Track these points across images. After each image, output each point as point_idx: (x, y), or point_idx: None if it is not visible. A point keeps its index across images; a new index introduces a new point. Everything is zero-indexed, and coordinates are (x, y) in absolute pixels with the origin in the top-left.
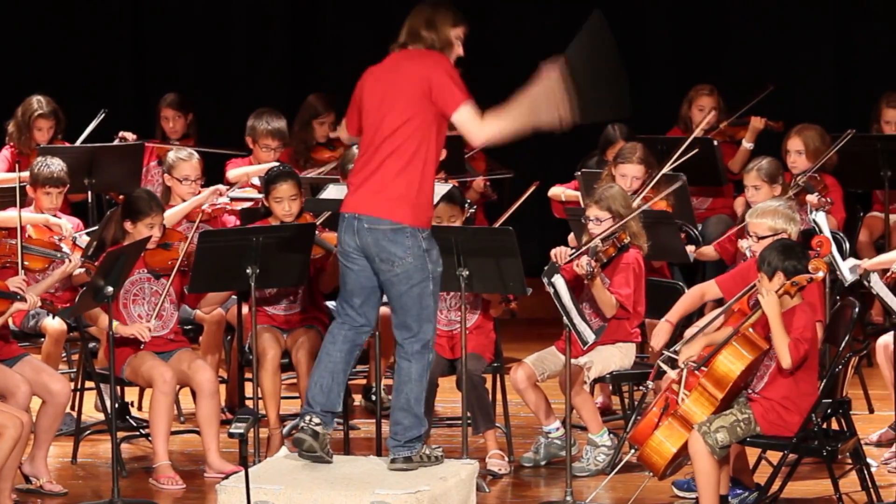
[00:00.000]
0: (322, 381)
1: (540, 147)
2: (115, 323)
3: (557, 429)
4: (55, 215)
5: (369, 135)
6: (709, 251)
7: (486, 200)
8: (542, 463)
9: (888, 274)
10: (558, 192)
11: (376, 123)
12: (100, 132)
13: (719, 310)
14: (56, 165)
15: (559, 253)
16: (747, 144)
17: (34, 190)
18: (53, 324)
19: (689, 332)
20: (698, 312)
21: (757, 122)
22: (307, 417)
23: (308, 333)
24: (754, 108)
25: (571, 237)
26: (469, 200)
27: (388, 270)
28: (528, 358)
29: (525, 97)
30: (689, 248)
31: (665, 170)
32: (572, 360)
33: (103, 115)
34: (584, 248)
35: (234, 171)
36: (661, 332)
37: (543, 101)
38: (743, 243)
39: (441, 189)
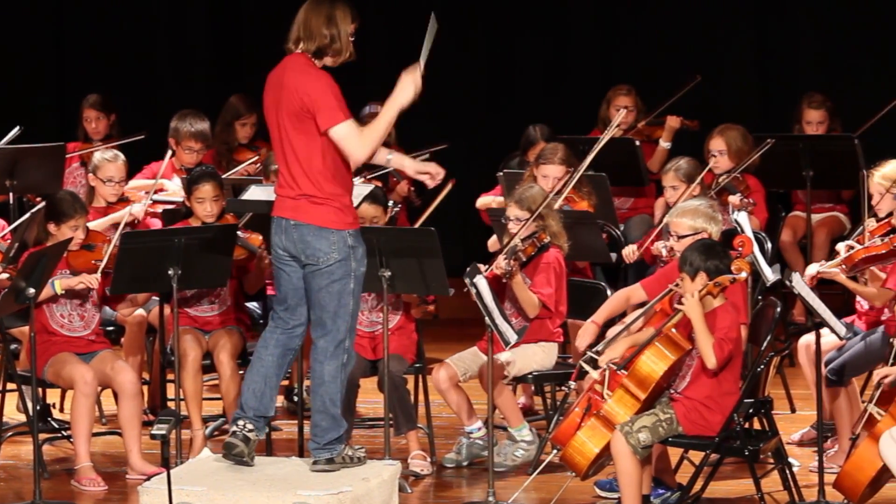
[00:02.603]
0: (255, 386)
1: (461, 148)
2: (60, 278)
3: (479, 429)
4: None
5: (277, 142)
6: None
7: (410, 204)
8: (465, 463)
9: (810, 276)
10: (488, 200)
11: (280, 133)
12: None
13: (642, 310)
14: None
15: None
16: (664, 144)
17: None
18: None
19: (611, 333)
20: (619, 315)
21: (673, 122)
22: (240, 422)
23: (230, 335)
24: (680, 101)
25: (490, 242)
26: (392, 201)
27: (313, 266)
28: (450, 358)
29: (389, 101)
30: (631, 248)
31: (583, 170)
32: (494, 355)
33: (18, 131)
34: (504, 249)
35: (132, 183)
36: (586, 332)
37: (403, 88)
38: (658, 244)
39: (363, 189)
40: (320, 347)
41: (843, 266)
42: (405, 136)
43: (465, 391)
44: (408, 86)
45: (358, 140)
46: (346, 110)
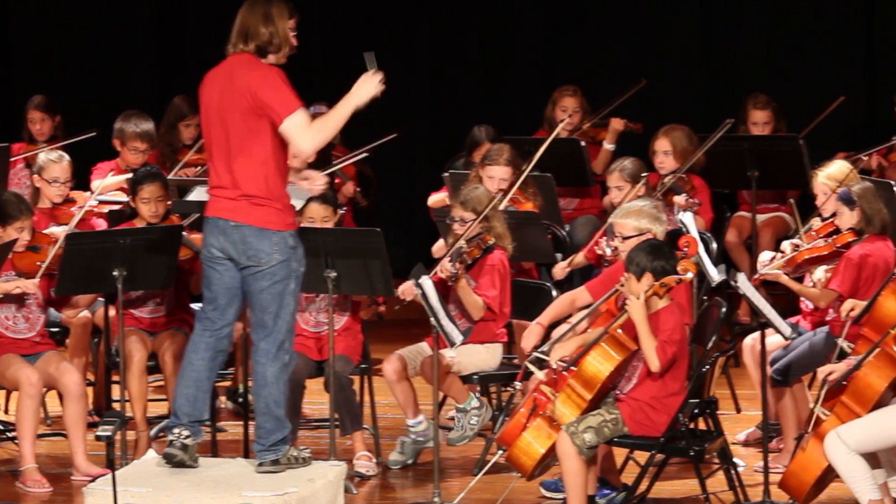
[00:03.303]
0: (187, 392)
1: (407, 149)
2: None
3: (420, 422)
4: None
5: (218, 142)
6: (579, 259)
7: (356, 205)
8: (410, 461)
9: (755, 277)
10: (439, 198)
11: (221, 133)
12: None
13: (587, 310)
14: None
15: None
16: (608, 146)
17: None
18: None
19: (556, 334)
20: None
21: (617, 124)
22: (176, 431)
23: (175, 336)
24: (624, 104)
25: (435, 248)
26: (339, 202)
27: (254, 267)
28: (400, 350)
29: (345, 99)
30: (561, 266)
31: (528, 171)
32: (439, 351)
33: None
34: (448, 252)
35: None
36: (531, 333)
37: (362, 87)
38: (602, 242)
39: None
40: (262, 349)
41: (787, 266)
42: (352, 135)
43: (413, 386)
44: (367, 86)
45: (308, 132)
46: (300, 100)
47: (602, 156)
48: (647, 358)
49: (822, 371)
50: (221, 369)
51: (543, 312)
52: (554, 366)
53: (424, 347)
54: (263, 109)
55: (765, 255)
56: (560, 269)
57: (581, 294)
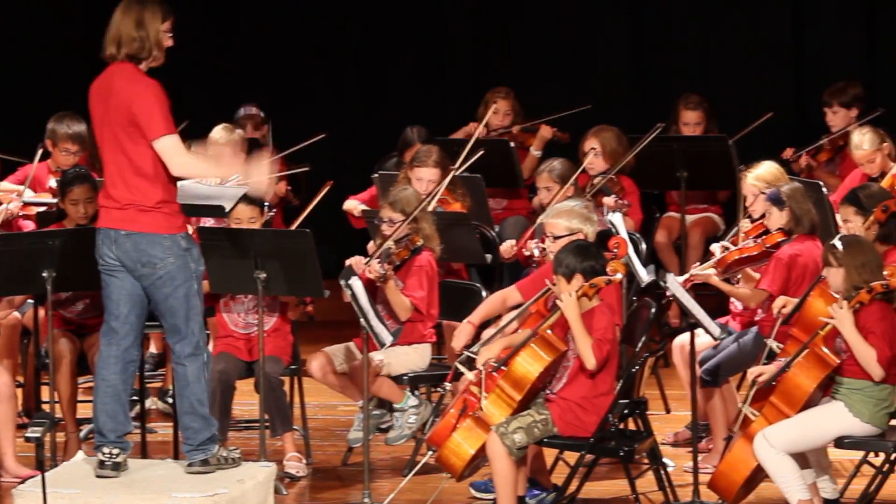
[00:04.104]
0: (107, 409)
1: (337, 149)
2: None
3: (370, 399)
4: None
5: (107, 152)
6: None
7: (287, 205)
8: (370, 437)
9: (685, 278)
10: (353, 204)
11: (108, 143)
12: None
13: (517, 311)
14: None
15: (355, 263)
16: (535, 152)
17: None
18: None
19: (486, 334)
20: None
21: (545, 132)
22: (105, 450)
23: None
24: (556, 110)
25: (370, 246)
26: (268, 203)
27: (151, 274)
28: (326, 348)
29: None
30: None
31: (455, 172)
32: (368, 354)
33: None
34: (377, 252)
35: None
36: (462, 333)
37: (225, 166)
38: (531, 244)
39: (238, 192)
40: (179, 352)
41: (717, 267)
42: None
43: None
44: (232, 169)
45: (177, 160)
46: (171, 124)
47: (528, 161)
48: (582, 356)
49: (751, 372)
50: (151, 370)
51: (474, 311)
52: (481, 367)
53: (351, 346)
54: (138, 124)
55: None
56: (509, 247)
57: (512, 293)
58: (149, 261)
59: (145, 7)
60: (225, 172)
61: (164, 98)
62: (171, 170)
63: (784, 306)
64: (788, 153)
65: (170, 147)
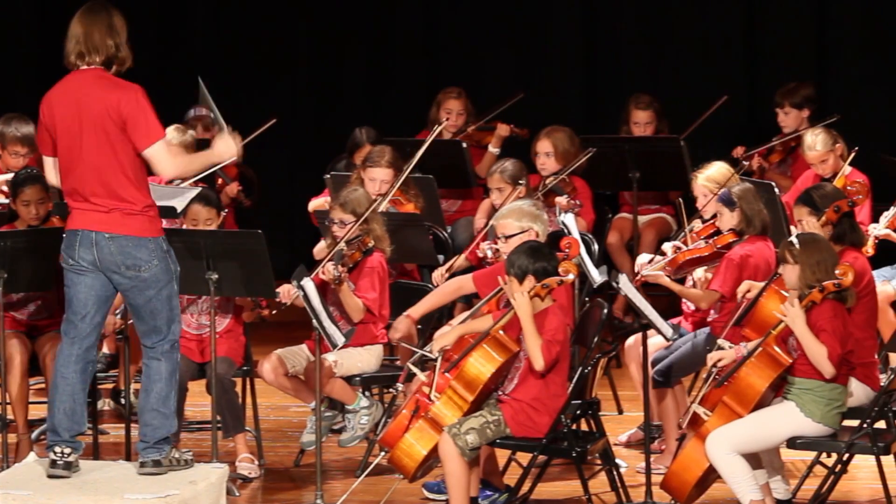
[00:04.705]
0: (64, 406)
1: (289, 150)
2: None
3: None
4: None
5: (84, 157)
6: (460, 262)
7: (238, 205)
8: (324, 438)
9: (636, 278)
10: (320, 202)
11: (87, 148)
12: None
13: (468, 312)
14: None
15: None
16: (493, 150)
17: None
18: None
19: (439, 334)
20: (448, 313)
21: (503, 130)
22: (57, 449)
23: (56, 338)
24: (504, 114)
25: (316, 249)
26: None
27: (135, 276)
28: (278, 350)
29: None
30: (440, 272)
31: (408, 172)
32: (321, 355)
33: None
34: (330, 254)
35: None
36: (399, 325)
37: (226, 148)
38: (483, 245)
39: (191, 192)
40: (157, 349)
41: (668, 268)
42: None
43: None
44: (228, 147)
45: (172, 162)
46: (161, 128)
47: (486, 159)
48: (531, 356)
49: (711, 358)
50: (103, 371)
51: (416, 305)
52: (437, 353)
53: (303, 348)
54: (126, 131)
55: (643, 258)
56: (439, 275)
57: (466, 282)
58: (134, 263)
59: (112, 14)
60: (216, 157)
61: (148, 101)
62: (166, 172)
63: (748, 290)
64: (739, 151)
65: (163, 150)
